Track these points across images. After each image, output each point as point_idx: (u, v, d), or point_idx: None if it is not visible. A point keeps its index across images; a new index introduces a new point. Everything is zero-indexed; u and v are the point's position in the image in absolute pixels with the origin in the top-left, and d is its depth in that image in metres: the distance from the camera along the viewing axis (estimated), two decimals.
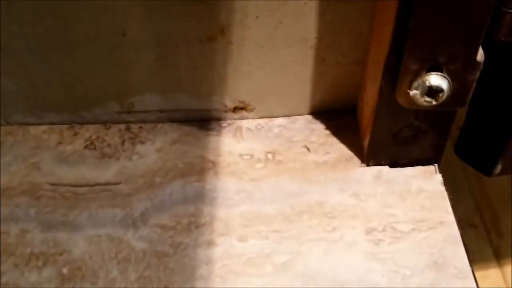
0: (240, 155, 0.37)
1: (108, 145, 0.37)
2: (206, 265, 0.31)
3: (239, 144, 0.37)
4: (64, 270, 0.31)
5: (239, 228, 0.33)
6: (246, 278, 0.31)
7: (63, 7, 0.31)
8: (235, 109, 0.38)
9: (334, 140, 0.37)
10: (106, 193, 0.34)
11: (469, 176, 0.71)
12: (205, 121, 0.38)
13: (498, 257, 0.65)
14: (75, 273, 0.31)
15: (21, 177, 0.35)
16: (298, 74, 0.36)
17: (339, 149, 0.37)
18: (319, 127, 0.38)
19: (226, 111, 0.38)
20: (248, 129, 0.38)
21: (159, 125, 0.38)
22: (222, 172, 0.36)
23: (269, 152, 0.37)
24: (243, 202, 0.34)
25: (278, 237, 0.32)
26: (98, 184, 0.35)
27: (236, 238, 0.32)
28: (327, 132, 0.38)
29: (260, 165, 0.36)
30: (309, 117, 0.39)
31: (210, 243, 0.32)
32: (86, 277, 0.31)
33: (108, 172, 0.35)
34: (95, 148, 0.37)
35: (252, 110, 0.38)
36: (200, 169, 0.36)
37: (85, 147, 0.37)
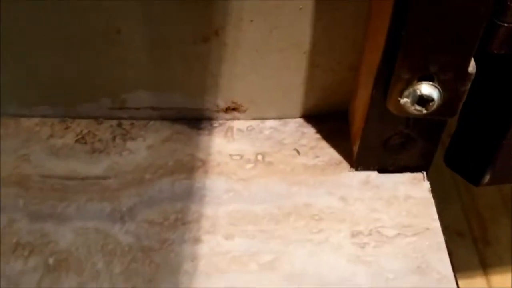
0: (230, 155, 0.37)
1: (99, 140, 0.37)
2: (192, 261, 0.31)
3: (230, 144, 0.37)
4: (50, 260, 0.31)
5: (226, 226, 0.33)
6: (231, 275, 0.31)
7: (59, 5, 0.31)
8: (227, 110, 0.38)
9: (324, 144, 0.38)
10: (95, 187, 0.34)
11: (458, 183, 0.71)
12: (196, 120, 0.38)
13: (484, 266, 0.66)
14: (60, 264, 0.31)
15: (11, 168, 0.35)
16: (291, 78, 0.36)
17: (329, 153, 0.37)
18: (310, 131, 0.38)
19: (218, 111, 0.38)
20: (239, 129, 0.38)
21: (151, 122, 0.38)
22: (211, 171, 0.36)
23: (259, 153, 0.37)
24: (231, 201, 0.34)
25: (264, 237, 0.33)
26: (88, 178, 0.35)
27: (222, 236, 0.33)
28: (318, 136, 0.38)
29: (249, 165, 0.36)
30: (301, 120, 0.39)
31: (197, 240, 0.32)
32: (71, 268, 0.31)
33: (98, 167, 0.36)
34: (86, 143, 0.37)
35: (244, 111, 0.38)
36: (189, 167, 0.36)
37: (76, 141, 0.37)
